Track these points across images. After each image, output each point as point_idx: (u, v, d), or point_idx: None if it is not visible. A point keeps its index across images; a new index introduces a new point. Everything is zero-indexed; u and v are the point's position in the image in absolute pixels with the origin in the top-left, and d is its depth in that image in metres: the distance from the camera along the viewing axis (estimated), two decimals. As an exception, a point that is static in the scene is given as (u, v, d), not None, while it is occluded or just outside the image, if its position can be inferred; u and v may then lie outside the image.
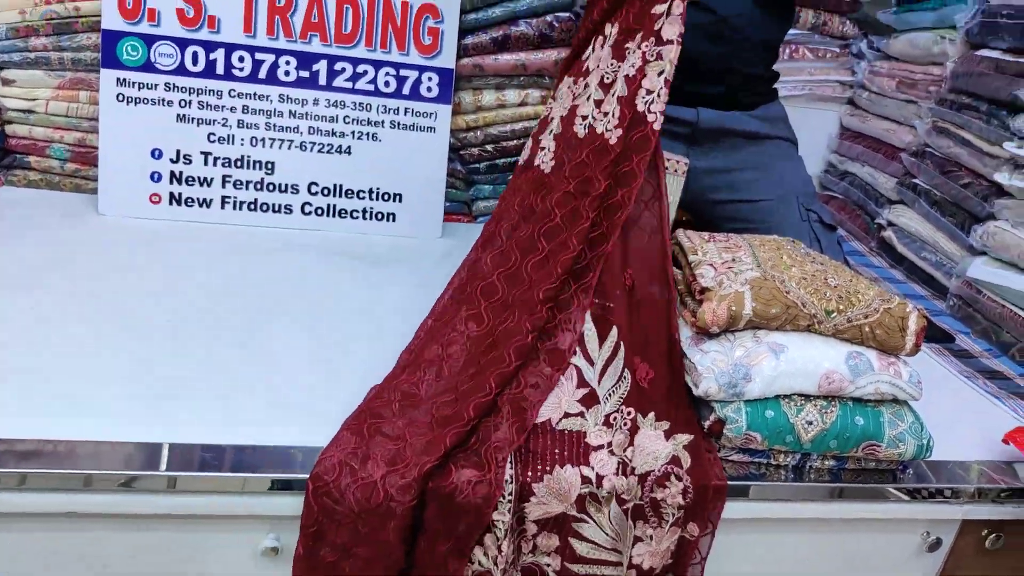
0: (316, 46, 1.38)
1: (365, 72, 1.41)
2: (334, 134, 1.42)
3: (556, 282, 0.97)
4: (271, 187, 1.42)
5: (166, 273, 1.20)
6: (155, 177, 1.38)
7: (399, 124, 1.44)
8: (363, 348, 1.06)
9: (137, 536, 0.84)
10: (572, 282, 0.99)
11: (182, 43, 1.34)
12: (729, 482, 0.87)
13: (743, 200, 1.32)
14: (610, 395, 0.91)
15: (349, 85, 1.41)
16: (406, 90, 1.42)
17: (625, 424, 0.89)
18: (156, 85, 1.35)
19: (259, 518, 0.85)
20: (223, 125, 1.39)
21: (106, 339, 1.01)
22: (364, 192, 1.45)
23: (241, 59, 1.37)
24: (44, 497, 0.80)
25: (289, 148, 1.41)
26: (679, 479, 0.86)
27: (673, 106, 1.13)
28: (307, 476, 0.81)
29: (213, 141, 1.39)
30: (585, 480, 0.85)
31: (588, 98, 1.10)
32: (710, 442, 0.90)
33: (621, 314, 0.97)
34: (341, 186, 1.44)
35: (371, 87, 1.41)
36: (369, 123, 1.43)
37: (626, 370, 0.93)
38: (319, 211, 1.44)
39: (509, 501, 0.82)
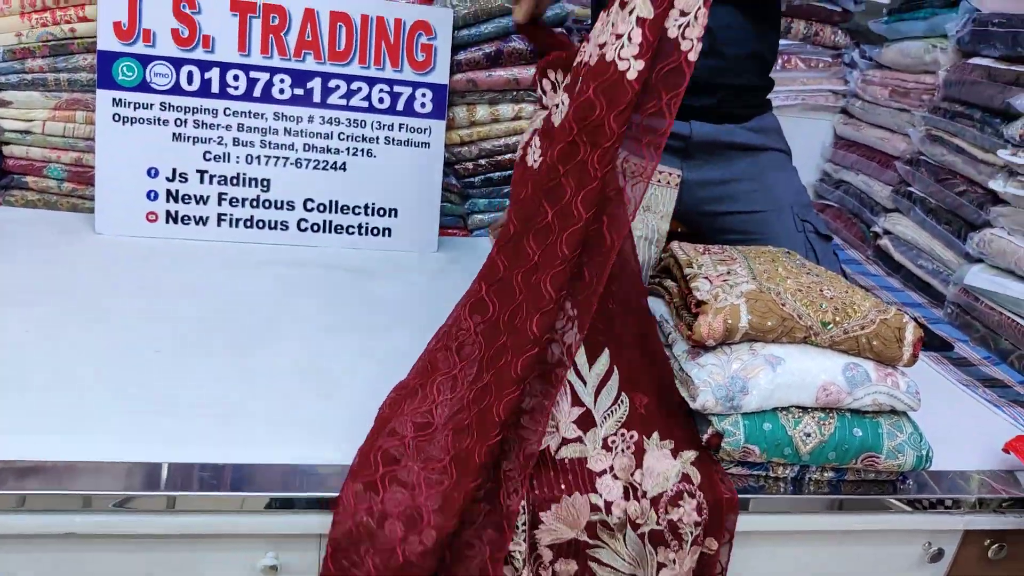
0: (310, 64, 1.39)
1: (359, 89, 1.41)
2: (329, 151, 1.43)
3: (551, 304, 0.84)
4: (267, 204, 1.42)
5: (163, 291, 1.20)
6: (151, 196, 1.39)
7: (393, 140, 1.44)
8: (361, 364, 1.06)
9: (136, 556, 0.84)
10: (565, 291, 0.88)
11: (177, 63, 1.35)
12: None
13: (737, 212, 1.32)
14: (607, 417, 0.91)
15: (343, 102, 1.41)
16: (400, 106, 1.43)
17: (628, 448, 0.89)
18: (152, 105, 1.36)
19: (258, 537, 0.84)
20: (218, 143, 1.39)
21: (104, 358, 1.00)
22: (360, 208, 1.45)
23: (236, 78, 1.37)
24: (43, 518, 0.79)
25: (284, 165, 1.42)
26: (692, 496, 0.86)
27: None
28: (305, 495, 0.81)
29: (209, 159, 1.39)
30: (594, 508, 0.84)
31: (608, 27, 0.84)
32: (713, 455, 0.90)
33: (609, 337, 0.95)
34: (337, 202, 1.45)
35: (365, 104, 1.42)
36: (364, 139, 1.43)
37: (623, 394, 0.92)
38: (315, 227, 1.45)
39: (523, 530, 0.82)
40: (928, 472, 0.96)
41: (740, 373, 0.87)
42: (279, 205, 1.43)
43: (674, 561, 0.86)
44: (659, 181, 1.15)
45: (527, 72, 1.47)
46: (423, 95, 1.43)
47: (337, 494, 0.81)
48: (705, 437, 0.89)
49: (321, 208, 1.44)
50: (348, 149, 1.43)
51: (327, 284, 1.30)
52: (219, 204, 1.41)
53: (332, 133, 1.42)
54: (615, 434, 0.90)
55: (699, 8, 0.77)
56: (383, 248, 1.47)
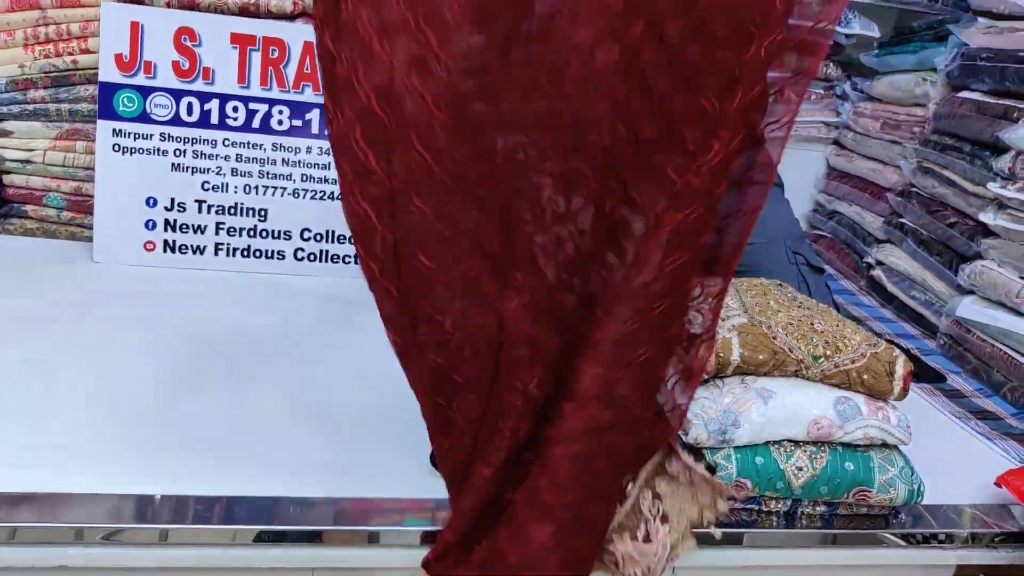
0: (308, 95, 1.40)
1: (358, 121, 1.43)
2: (326, 181, 1.44)
3: None
4: (264, 233, 1.43)
5: (159, 320, 1.20)
6: (150, 225, 1.40)
7: (391, 170, 1.46)
8: (356, 396, 1.06)
9: (127, 590, 0.83)
10: None
11: (177, 94, 1.37)
12: (723, 529, 0.87)
13: (730, 244, 1.33)
14: None
15: (342, 133, 1.43)
16: (398, 137, 1.44)
17: None
18: (151, 135, 1.37)
19: (250, 570, 0.84)
20: (217, 173, 1.40)
21: (99, 388, 1.01)
22: (357, 237, 1.46)
23: (235, 109, 1.39)
24: (34, 551, 0.79)
25: (282, 195, 1.43)
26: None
27: None
28: (296, 528, 0.81)
29: (207, 189, 1.40)
30: None
31: None
32: None
33: None
34: (333, 232, 1.46)
35: (364, 135, 1.44)
36: (362, 170, 1.45)
37: None
38: (311, 256, 1.46)
39: None
40: (920, 506, 0.96)
41: (732, 406, 0.87)
42: (276, 235, 1.44)
43: None
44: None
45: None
46: (420, 127, 1.45)
47: (329, 527, 0.81)
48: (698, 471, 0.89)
49: (318, 238, 1.45)
50: (345, 179, 1.45)
51: (323, 313, 1.31)
52: (217, 233, 1.42)
53: (330, 164, 1.43)
54: None
55: None
56: (379, 277, 1.47)
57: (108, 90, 1.35)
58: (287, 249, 1.44)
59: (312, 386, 1.08)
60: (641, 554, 0.79)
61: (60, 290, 1.26)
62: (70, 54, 1.39)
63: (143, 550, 0.81)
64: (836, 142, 2.05)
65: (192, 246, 1.41)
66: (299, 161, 1.42)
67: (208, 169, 1.40)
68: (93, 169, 1.39)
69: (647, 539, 0.80)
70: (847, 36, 1.93)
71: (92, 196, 1.40)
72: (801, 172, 2.05)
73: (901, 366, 0.90)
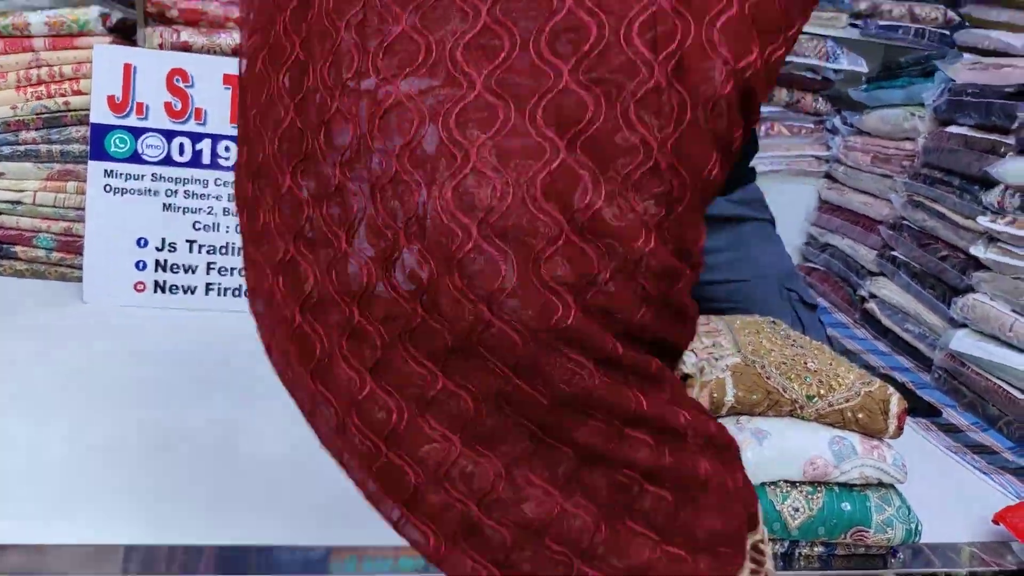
0: (301, 135, 1.41)
1: (349, 159, 1.43)
2: (319, 219, 1.44)
3: None
4: (256, 273, 1.43)
5: (149, 361, 1.19)
6: (140, 265, 1.39)
7: (384, 208, 1.46)
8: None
9: (111, 644, 0.81)
10: None
11: (169, 134, 1.37)
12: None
13: (722, 281, 1.33)
14: None
15: (334, 172, 1.43)
16: (390, 175, 1.45)
17: None
18: (143, 176, 1.37)
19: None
20: (208, 213, 1.40)
21: (87, 431, 0.99)
22: (349, 276, 1.46)
23: (227, 148, 1.39)
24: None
25: (274, 234, 1.43)
26: None
27: None
28: (286, 578, 0.80)
29: (198, 229, 1.40)
30: None
31: None
32: None
33: None
34: (326, 270, 1.45)
35: (356, 173, 1.44)
36: (354, 208, 1.45)
37: None
38: (304, 295, 1.45)
39: None
40: (919, 544, 0.95)
41: (726, 448, 0.86)
42: (268, 273, 1.43)
43: None
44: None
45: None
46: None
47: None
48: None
49: (310, 276, 1.45)
50: (337, 218, 1.44)
51: (315, 353, 1.30)
52: (207, 273, 1.41)
53: (322, 202, 1.43)
54: None
55: None
56: (372, 315, 1.47)
57: (100, 131, 1.35)
58: (279, 288, 1.44)
59: (306, 430, 1.06)
60: None
61: (50, 331, 1.25)
62: (62, 95, 1.39)
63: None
64: (827, 175, 2.07)
65: (183, 286, 1.41)
66: (291, 200, 1.42)
67: (200, 209, 1.40)
68: (83, 209, 1.39)
69: None
70: (836, 71, 1.95)
71: (82, 236, 1.40)
72: (793, 205, 2.06)
73: (895, 404, 0.90)
